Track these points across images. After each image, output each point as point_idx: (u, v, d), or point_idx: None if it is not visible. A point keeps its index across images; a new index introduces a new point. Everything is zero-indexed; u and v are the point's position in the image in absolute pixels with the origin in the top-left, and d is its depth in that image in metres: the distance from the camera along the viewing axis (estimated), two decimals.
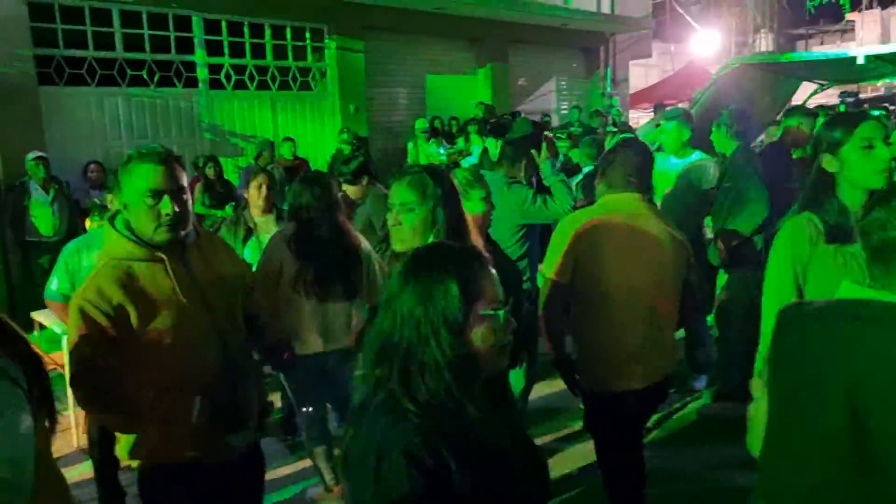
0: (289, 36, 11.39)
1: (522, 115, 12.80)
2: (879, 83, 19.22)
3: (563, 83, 16.41)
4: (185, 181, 2.36)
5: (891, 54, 8.12)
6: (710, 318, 5.18)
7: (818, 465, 0.93)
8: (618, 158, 3.02)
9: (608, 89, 16.98)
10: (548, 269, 3.00)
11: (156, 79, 9.94)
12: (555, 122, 14.72)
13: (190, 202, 2.38)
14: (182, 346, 2.29)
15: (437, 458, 1.37)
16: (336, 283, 3.55)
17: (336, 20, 11.57)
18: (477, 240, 2.45)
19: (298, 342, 3.58)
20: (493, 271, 1.53)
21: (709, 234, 4.84)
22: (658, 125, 7.27)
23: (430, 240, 2.25)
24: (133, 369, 2.22)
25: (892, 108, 14.98)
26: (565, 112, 15.93)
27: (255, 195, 4.55)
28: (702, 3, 25.35)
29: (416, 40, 13.00)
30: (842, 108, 10.53)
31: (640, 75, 22.96)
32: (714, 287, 4.97)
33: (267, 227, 4.41)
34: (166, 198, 2.25)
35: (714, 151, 5.05)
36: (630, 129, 13.40)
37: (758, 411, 1.58)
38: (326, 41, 11.76)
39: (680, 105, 19.48)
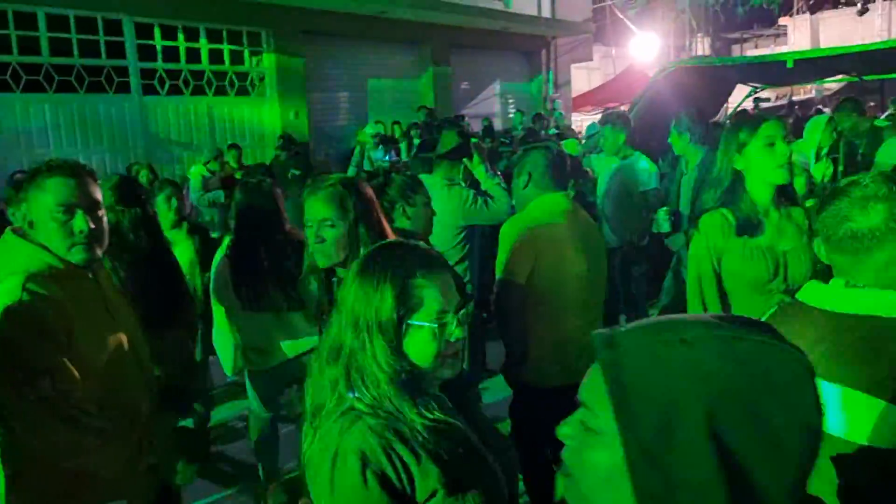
0: (225, 40, 11.13)
1: (466, 118, 12.82)
2: (810, 86, 19.83)
3: (505, 86, 16.46)
4: (98, 195, 2.18)
5: (818, 58, 8.33)
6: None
7: None
8: (528, 163, 3.03)
9: (550, 92, 17.10)
10: (503, 270, 2.97)
11: (85, 84, 9.59)
12: (497, 125, 14.74)
13: (105, 219, 2.20)
14: (111, 367, 2.14)
15: (396, 458, 1.35)
16: (277, 292, 3.40)
17: (274, 24, 11.36)
18: None
19: (262, 355, 3.49)
20: (447, 278, 1.47)
21: (666, 226, 4.86)
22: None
23: (354, 255, 2.18)
24: (68, 393, 2.01)
25: (825, 109, 15.66)
26: (509, 115, 15.99)
27: (165, 209, 4.14)
28: (640, 7, 25.80)
29: (357, 44, 12.86)
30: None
31: (583, 78, 23.23)
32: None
33: (178, 243, 4.06)
34: (80, 213, 2.07)
35: (663, 152, 5.10)
36: (572, 132, 13.56)
37: None
38: (265, 45, 11.54)
39: (621, 107, 19.83)
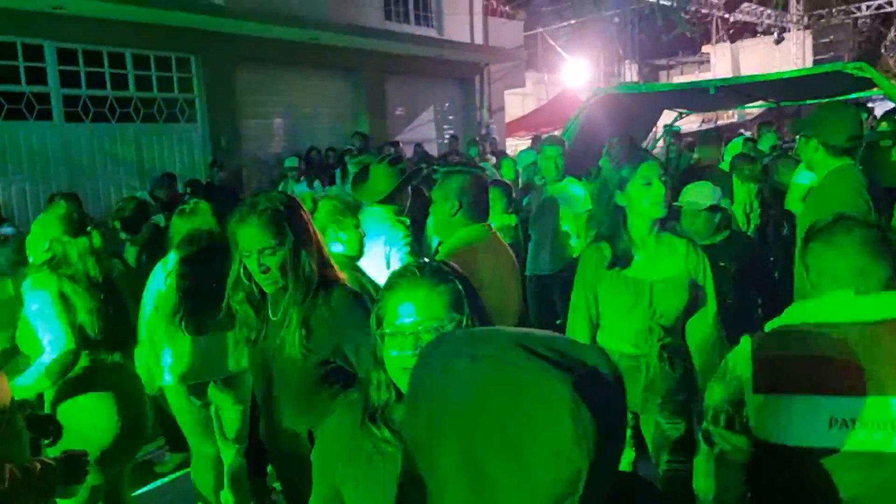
0: (153, 66, 10.89)
1: (401, 144, 12.82)
2: (733, 111, 20.58)
3: (440, 112, 16.57)
4: None
5: (739, 84, 8.69)
6: None
7: None
8: (457, 189, 2.93)
9: (484, 118, 17.30)
10: None
11: (4, 111, 9.23)
12: (433, 151, 14.81)
13: None
14: None
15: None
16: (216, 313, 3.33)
17: (204, 50, 11.19)
18: (342, 273, 2.38)
19: (205, 368, 3.47)
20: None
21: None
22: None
23: (307, 275, 2.22)
24: None
25: (747, 133, 16.40)
26: (443, 141, 16.08)
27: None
28: (570, 35, 26.41)
29: (290, 71, 12.75)
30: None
31: (517, 104, 23.56)
32: None
33: None
34: None
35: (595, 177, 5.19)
36: (507, 157, 13.70)
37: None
38: (194, 71, 11.34)
39: (554, 132, 20.18)
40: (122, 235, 5.25)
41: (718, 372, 1.82)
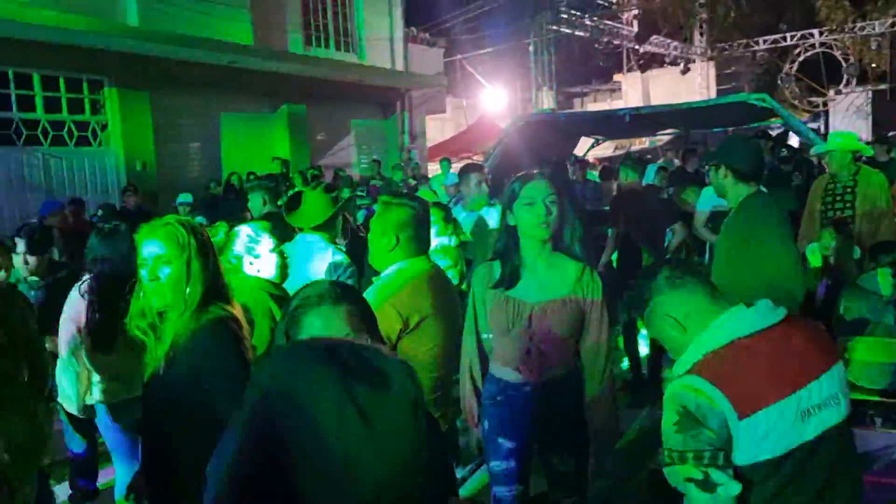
0: (62, 88, 10.50)
1: (322, 169, 12.75)
2: (645, 139, 21.38)
3: (362, 137, 16.59)
4: None
5: (649, 111, 9.08)
6: None
7: None
8: (395, 223, 2.78)
9: (406, 143, 17.42)
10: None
11: None
12: (355, 176, 14.79)
13: None
14: None
15: None
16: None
17: (117, 71, 10.87)
18: (235, 306, 2.36)
19: (126, 385, 3.42)
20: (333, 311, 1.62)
21: None
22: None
23: (190, 293, 2.21)
24: None
25: (651, 158, 17.24)
26: (365, 165, 16.09)
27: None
28: (488, 62, 26.96)
29: (208, 94, 12.52)
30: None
31: (436, 129, 23.83)
32: None
33: None
34: None
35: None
36: (428, 182, 13.82)
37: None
38: (107, 94, 10.99)
39: (474, 157, 20.48)
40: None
41: (672, 425, 1.76)
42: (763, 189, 3.73)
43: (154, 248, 2.21)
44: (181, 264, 2.20)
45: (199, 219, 5.97)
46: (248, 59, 12.20)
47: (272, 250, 3.20)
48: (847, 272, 4.45)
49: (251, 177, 12.00)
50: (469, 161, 20.10)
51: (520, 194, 2.59)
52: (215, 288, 2.30)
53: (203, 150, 12.70)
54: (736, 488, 1.69)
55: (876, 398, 4.33)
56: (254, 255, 3.19)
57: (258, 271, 3.20)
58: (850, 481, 1.83)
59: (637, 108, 9.71)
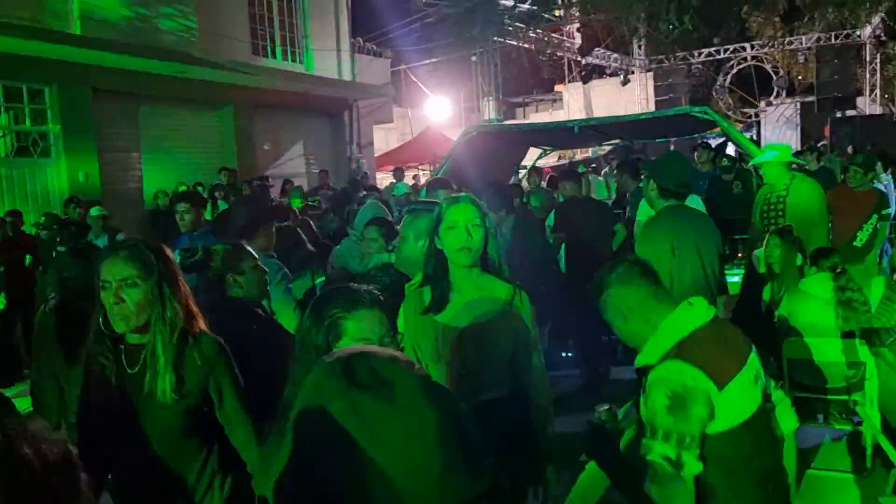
0: (1, 96, 10.20)
1: (270, 179, 12.68)
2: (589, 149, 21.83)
3: (310, 147, 16.53)
4: None
5: (598, 123, 9.35)
6: None
7: None
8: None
9: (354, 152, 17.43)
10: None
11: None
12: (305, 185, 14.73)
13: None
14: None
15: None
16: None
17: (60, 81, 10.61)
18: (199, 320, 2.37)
19: None
20: (370, 314, 1.78)
21: None
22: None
23: (170, 317, 2.19)
24: None
25: (595, 167, 17.73)
26: (313, 175, 16.03)
27: None
28: (432, 72, 27.17)
29: (154, 104, 12.30)
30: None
31: (381, 138, 23.87)
32: None
33: None
34: None
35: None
36: (378, 191, 13.87)
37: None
38: (49, 103, 10.72)
39: (420, 167, 20.60)
40: None
41: (663, 407, 2.02)
42: (682, 204, 4.02)
43: (117, 269, 2.14)
44: (149, 286, 2.15)
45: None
46: (194, 69, 12.04)
47: (254, 267, 3.17)
48: (791, 278, 4.69)
49: (196, 187, 11.86)
50: (414, 169, 20.22)
51: (444, 218, 2.52)
52: (193, 314, 2.30)
53: (149, 160, 12.46)
54: (697, 468, 2.00)
55: (818, 395, 4.59)
56: (238, 272, 3.15)
57: (241, 290, 3.15)
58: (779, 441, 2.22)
59: (586, 120, 10.00)
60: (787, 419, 2.32)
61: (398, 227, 3.30)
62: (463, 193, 2.67)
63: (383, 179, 19.44)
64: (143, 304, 2.14)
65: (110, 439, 2.31)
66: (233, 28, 13.67)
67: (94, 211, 9.02)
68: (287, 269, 4.04)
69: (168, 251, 2.30)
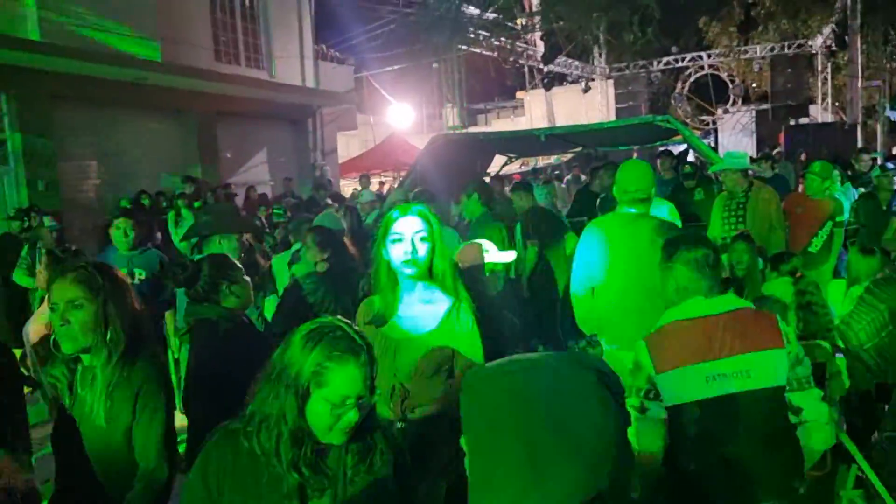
0: None
1: (233, 187, 12.57)
2: (552, 156, 22.07)
3: (273, 154, 16.42)
4: None
5: (563, 131, 9.50)
6: None
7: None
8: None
9: (318, 160, 17.36)
10: None
11: None
12: (269, 193, 14.64)
13: None
14: None
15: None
16: None
17: (17, 87, 10.40)
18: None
19: None
20: (359, 371, 1.66)
21: None
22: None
23: (111, 338, 2.20)
24: None
25: (557, 173, 18.01)
26: (277, 183, 15.92)
27: None
28: (395, 79, 27.23)
29: (115, 111, 12.12)
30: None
31: (343, 145, 23.81)
32: None
33: None
34: None
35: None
36: (342, 198, 13.84)
37: None
38: (5, 110, 10.48)
39: (384, 174, 20.61)
40: None
41: (629, 370, 2.49)
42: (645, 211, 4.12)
43: (64, 291, 2.17)
44: (95, 307, 2.18)
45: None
46: (155, 75, 11.91)
47: (244, 274, 3.17)
48: (754, 282, 4.83)
49: (158, 196, 11.70)
50: (378, 176, 20.19)
51: (390, 229, 2.51)
52: (139, 331, 2.31)
53: (109, 168, 12.27)
54: (661, 413, 2.39)
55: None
56: (233, 281, 3.11)
57: (236, 300, 3.10)
58: (759, 438, 2.37)
59: (552, 128, 10.14)
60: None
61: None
62: (413, 203, 2.63)
63: (347, 186, 19.40)
64: (90, 325, 2.17)
65: (62, 459, 2.34)
66: (195, 34, 13.55)
67: (47, 222, 8.87)
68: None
69: (118, 272, 2.31)
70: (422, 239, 2.49)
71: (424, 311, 2.53)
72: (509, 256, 3.85)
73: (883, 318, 3.89)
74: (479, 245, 3.72)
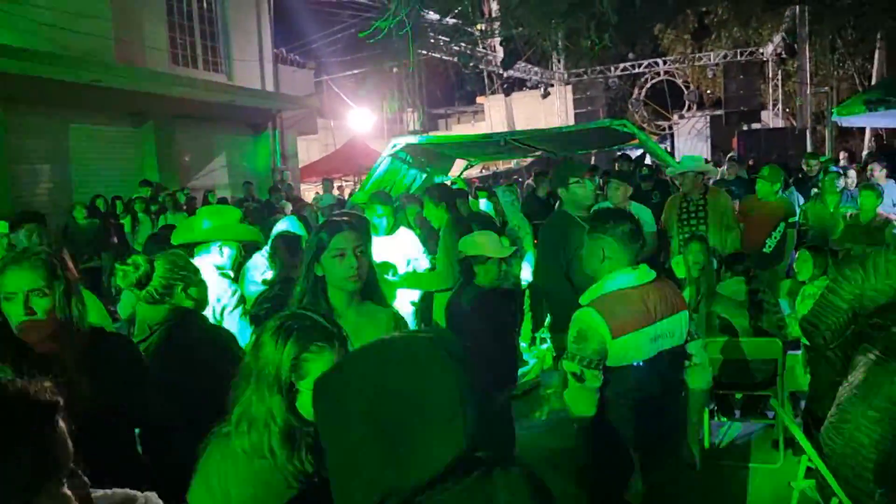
0: None
1: (190, 191, 12.42)
2: (511, 160, 22.24)
3: (233, 158, 16.25)
4: None
5: (523, 136, 9.61)
6: None
7: None
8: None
9: (279, 164, 17.23)
10: None
11: None
12: (228, 197, 14.47)
13: None
14: None
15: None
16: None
17: None
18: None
19: None
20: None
21: None
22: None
23: (78, 320, 2.18)
24: None
25: (518, 178, 18.12)
26: (236, 186, 15.75)
27: None
28: (354, 83, 27.16)
29: (68, 113, 11.88)
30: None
31: (303, 149, 23.67)
32: None
33: None
34: None
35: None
36: (303, 202, 13.78)
37: None
38: None
39: (345, 178, 20.54)
40: None
41: (573, 337, 2.72)
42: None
43: (23, 279, 2.09)
44: (59, 293, 2.12)
45: None
46: (110, 77, 11.70)
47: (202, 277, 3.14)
48: (709, 281, 4.97)
49: (115, 200, 11.49)
50: (338, 180, 20.08)
51: (328, 245, 2.47)
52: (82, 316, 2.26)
53: (62, 172, 12.02)
54: (597, 382, 2.67)
55: (735, 392, 4.87)
56: (191, 283, 3.04)
57: (192, 302, 3.02)
58: (669, 385, 2.83)
59: (513, 133, 10.26)
60: (696, 379, 2.91)
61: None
62: (345, 218, 2.60)
63: (307, 191, 19.29)
64: (54, 312, 2.11)
65: None
66: (151, 37, 13.37)
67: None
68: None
69: (67, 257, 2.27)
70: (362, 252, 2.49)
71: (363, 324, 2.49)
72: (508, 251, 4.02)
73: (847, 317, 4.05)
74: (482, 238, 3.89)
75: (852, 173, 8.58)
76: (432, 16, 16.00)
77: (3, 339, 2.14)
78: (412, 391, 1.09)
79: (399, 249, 5.12)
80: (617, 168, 9.02)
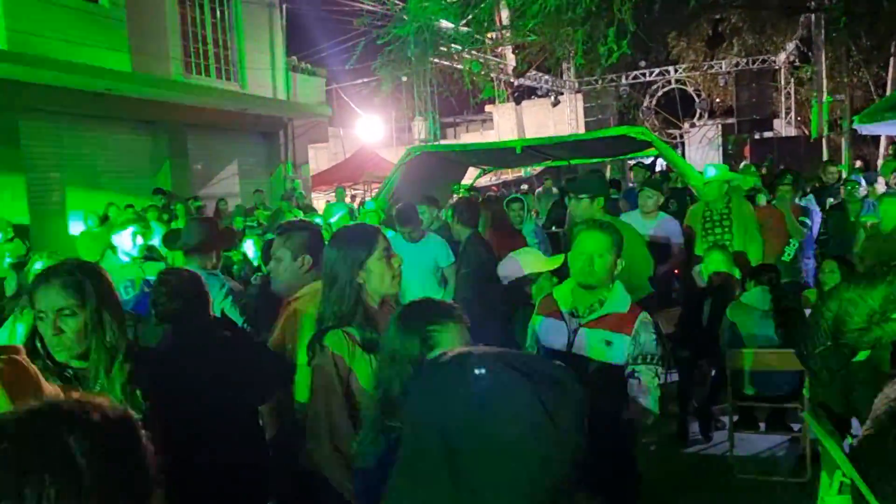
0: None
1: (201, 199, 12.43)
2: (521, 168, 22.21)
3: (245, 166, 16.26)
4: None
5: (539, 143, 9.56)
6: None
7: None
8: (302, 245, 2.89)
9: (290, 172, 17.23)
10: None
11: None
12: (241, 204, 14.47)
13: None
14: None
15: None
16: None
17: None
18: None
19: None
20: (458, 328, 1.94)
21: None
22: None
23: (110, 341, 2.10)
24: None
25: (527, 188, 18.12)
26: (247, 194, 15.75)
27: None
28: (363, 92, 27.21)
29: (82, 122, 11.90)
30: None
31: (312, 157, 23.71)
32: None
33: None
34: None
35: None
36: (314, 210, 13.75)
37: None
38: None
39: (355, 186, 20.55)
40: None
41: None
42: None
43: (53, 298, 2.06)
44: (89, 313, 2.08)
45: None
46: (125, 86, 11.74)
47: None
48: (730, 290, 4.90)
49: (127, 208, 11.49)
50: (349, 189, 20.07)
51: (375, 250, 2.46)
52: (124, 332, 2.21)
53: (77, 180, 12.02)
54: None
55: (761, 404, 4.79)
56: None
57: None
58: None
59: (529, 140, 10.20)
60: None
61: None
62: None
63: (317, 199, 19.30)
64: (84, 332, 2.07)
65: None
66: (166, 46, 13.40)
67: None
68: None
69: (103, 271, 2.20)
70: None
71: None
72: (554, 264, 3.88)
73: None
74: (522, 257, 3.83)
75: (881, 180, 8.50)
76: (445, 24, 16.00)
77: (43, 357, 2.11)
78: (494, 438, 0.96)
79: (428, 255, 5.17)
80: (633, 176, 8.97)
